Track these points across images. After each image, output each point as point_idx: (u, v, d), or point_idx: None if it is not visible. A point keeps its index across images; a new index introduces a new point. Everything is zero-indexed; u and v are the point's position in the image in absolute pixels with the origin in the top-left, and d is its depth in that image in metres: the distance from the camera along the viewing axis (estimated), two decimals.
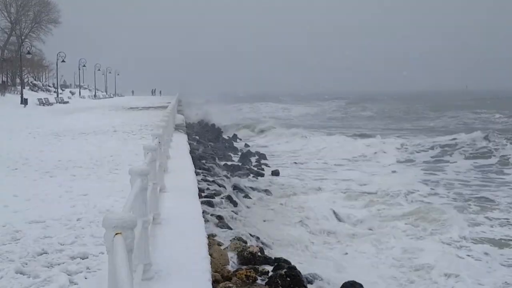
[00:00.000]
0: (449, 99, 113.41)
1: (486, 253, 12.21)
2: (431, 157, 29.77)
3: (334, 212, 15.37)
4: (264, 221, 13.92)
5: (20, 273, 5.60)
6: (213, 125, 47.29)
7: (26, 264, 5.91)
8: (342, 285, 8.66)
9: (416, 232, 14.07)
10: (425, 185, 21.15)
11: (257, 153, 31.62)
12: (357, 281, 8.90)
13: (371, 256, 12.06)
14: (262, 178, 22.39)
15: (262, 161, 28.35)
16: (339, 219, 15.04)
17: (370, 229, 14.34)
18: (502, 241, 13.33)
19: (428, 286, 10.30)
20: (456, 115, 66.68)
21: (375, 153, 31.03)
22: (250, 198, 16.76)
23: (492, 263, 11.67)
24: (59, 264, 5.90)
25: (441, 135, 36.98)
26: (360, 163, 28.57)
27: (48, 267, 5.82)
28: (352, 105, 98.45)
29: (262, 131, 47.87)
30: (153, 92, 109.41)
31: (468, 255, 12.12)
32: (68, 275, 5.54)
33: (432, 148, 31.77)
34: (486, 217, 15.61)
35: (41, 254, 6.26)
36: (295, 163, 28.68)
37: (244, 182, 19.42)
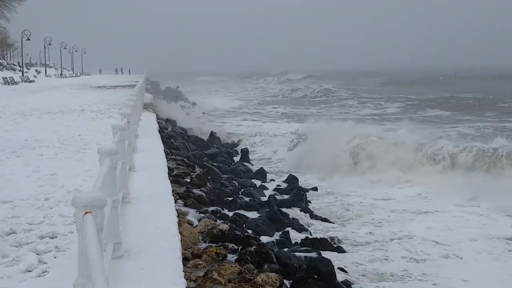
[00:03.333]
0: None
1: None
2: None
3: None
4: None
5: None
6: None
7: None
8: (311, 260, 8.79)
9: None
10: None
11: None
12: None
13: None
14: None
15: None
16: None
17: None
18: None
19: None
20: None
21: None
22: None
23: None
24: (27, 244, 5.88)
25: None
26: None
27: (16, 247, 5.79)
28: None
29: None
30: (116, 71, 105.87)
31: None
32: (37, 254, 5.53)
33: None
34: None
35: (9, 234, 6.23)
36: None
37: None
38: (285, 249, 9.76)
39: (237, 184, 16.68)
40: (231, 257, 8.20)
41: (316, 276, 8.20)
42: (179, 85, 76.62)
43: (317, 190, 16.84)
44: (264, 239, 10.36)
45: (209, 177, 15.73)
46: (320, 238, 11.22)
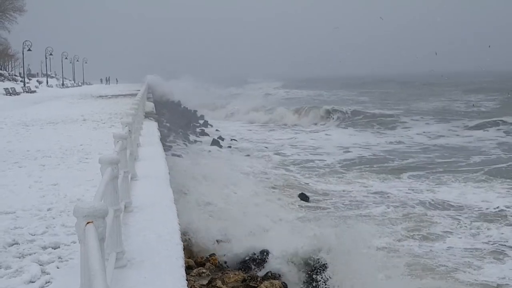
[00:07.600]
0: None
1: None
2: None
3: None
4: None
5: None
6: (185, 108, 49.12)
7: None
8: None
9: None
10: None
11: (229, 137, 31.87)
12: None
13: None
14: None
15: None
16: None
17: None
18: None
19: None
20: None
21: None
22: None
23: None
24: (30, 255, 5.85)
25: None
26: None
27: (19, 258, 5.77)
28: None
29: None
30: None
31: None
32: (40, 265, 5.51)
33: None
34: None
35: (12, 245, 6.21)
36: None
37: None
38: None
39: None
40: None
41: None
42: None
43: None
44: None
45: None
46: None
